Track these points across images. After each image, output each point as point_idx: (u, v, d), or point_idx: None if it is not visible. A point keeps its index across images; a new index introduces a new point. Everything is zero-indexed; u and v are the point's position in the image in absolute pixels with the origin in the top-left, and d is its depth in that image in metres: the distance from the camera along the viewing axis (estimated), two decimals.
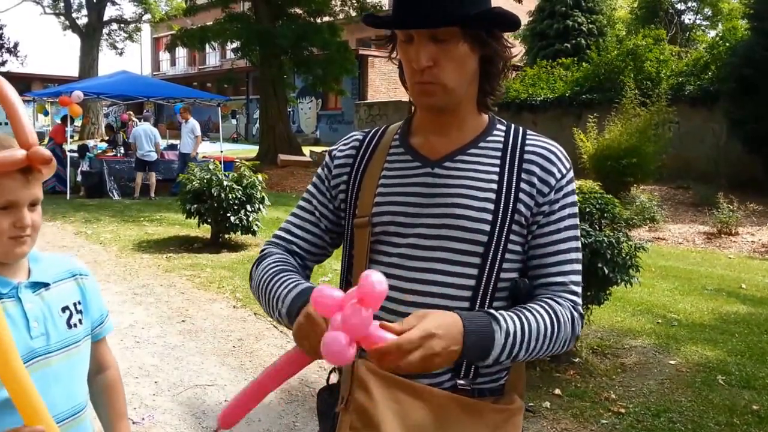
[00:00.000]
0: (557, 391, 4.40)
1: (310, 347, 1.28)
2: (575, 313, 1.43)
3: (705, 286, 7.56)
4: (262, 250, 1.60)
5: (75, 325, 1.58)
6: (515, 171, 1.43)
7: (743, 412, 4.18)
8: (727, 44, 15.80)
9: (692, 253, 9.75)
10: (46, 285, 1.55)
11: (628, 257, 4.71)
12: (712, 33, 27.53)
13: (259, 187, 8.92)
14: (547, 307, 1.38)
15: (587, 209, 4.93)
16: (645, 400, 4.35)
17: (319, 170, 1.62)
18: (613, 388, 4.52)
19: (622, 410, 4.16)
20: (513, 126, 1.52)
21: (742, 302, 6.91)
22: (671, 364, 5.00)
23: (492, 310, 1.33)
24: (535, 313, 1.36)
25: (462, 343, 1.24)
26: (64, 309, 1.57)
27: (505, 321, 1.31)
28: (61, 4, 37.12)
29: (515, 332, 1.31)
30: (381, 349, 1.16)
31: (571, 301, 1.43)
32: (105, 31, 37.90)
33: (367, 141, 1.58)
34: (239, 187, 8.65)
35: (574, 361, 4.87)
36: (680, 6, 31.43)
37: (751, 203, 11.00)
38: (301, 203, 1.62)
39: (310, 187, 1.63)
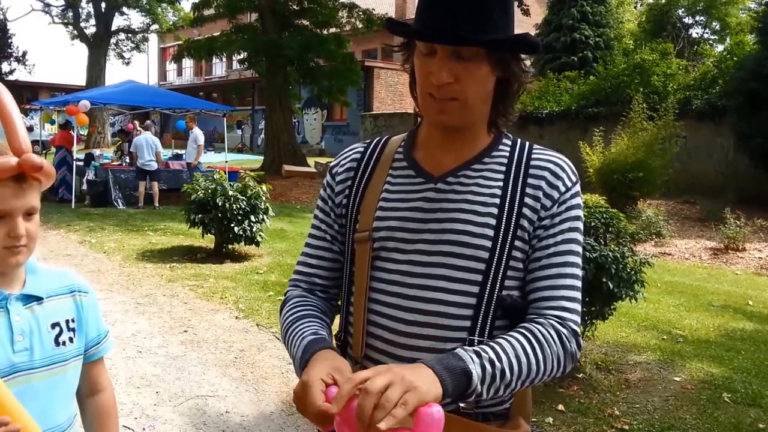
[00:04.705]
0: (560, 407, 4.35)
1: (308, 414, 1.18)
2: (562, 330, 1.32)
3: (711, 302, 7.50)
4: (286, 292, 1.57)
5: (64, 343, 1.51)
6: (519, 185, 1.39)
7: (749, 431, 4.14)
8: (735, 58, 15.82)
9: (698, 268, 9.70)
10: (38, 299, 1.49)
11: (633, 272, 4.68)
12: (720, 47, 27.55)
13: (264, 198, 8.91)
14: (526, 332, 1.30)
15: (592, 223, 4.92)
16: (649, 417, 4.30)
17: (322, 191, 1.57)
18: (617, 404, 4.47)
19: (626, 427, 4.11)
20: (519, 140, 1.48)
21: (748, 319, 6.85)
22: (676, 381, 4.95)
23: (467, 357, 1.21)
24: (514, 344, 1.27)
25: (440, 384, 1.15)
26: (54, 325, 1.50)
27: (482, 378, 1.21)
28: (70, 14, 37.43)
29: (492, 378, 1.22)
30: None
31: (556, 317, 1.33)
32: (113, 40, 38.26)
33: (368, 154, 1.54)
34: (243, 198, 8.64)
35: (578, 376, 4.83)
36: (688, 20, 31.51)
37: (758, 219, 10.96)
38: (312, 230, 1.58)
39: (316, 211, 1.58)
